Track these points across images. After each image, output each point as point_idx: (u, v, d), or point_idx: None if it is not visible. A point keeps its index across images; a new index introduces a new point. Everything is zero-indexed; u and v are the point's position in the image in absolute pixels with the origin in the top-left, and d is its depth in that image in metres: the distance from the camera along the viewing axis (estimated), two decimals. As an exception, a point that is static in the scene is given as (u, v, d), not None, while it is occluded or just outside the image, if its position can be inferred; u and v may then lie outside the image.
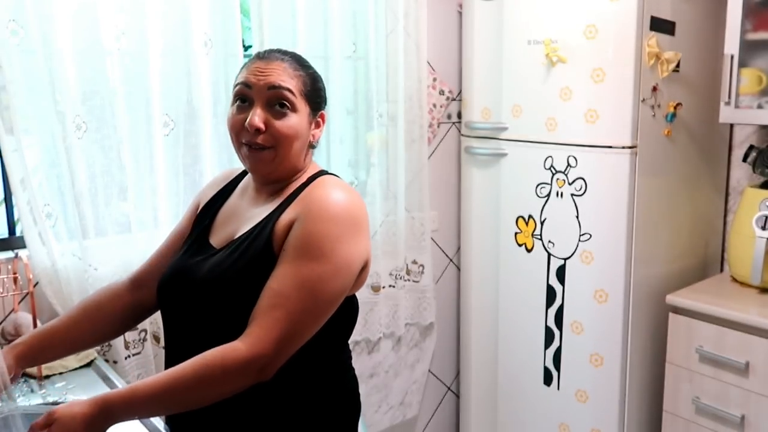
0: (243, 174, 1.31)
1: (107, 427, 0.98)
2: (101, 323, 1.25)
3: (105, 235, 1.65)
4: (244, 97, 1.14)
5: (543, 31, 2.01)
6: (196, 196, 1.36)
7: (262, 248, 1.10)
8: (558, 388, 2.14)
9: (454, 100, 2.43)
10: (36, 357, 1.19)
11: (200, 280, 1.14)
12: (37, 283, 1.55)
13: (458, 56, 2.40)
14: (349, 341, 1.32)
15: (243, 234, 1.15)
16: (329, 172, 1.24)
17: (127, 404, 0.98)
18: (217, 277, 1.12)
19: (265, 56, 1.17)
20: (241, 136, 1.14)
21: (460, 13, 2.36)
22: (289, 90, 1.14)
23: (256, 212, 1.18)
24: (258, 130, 1.12)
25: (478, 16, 2.23)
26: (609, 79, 1.90)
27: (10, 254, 1.59)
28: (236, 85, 1.16)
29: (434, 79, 2.35)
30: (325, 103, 1.24)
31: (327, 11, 1.97)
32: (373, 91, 2.11)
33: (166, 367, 1.19)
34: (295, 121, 1.15)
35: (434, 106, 2.37)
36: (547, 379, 2.17)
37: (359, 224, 1.12)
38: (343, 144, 2.09)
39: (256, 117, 1.11)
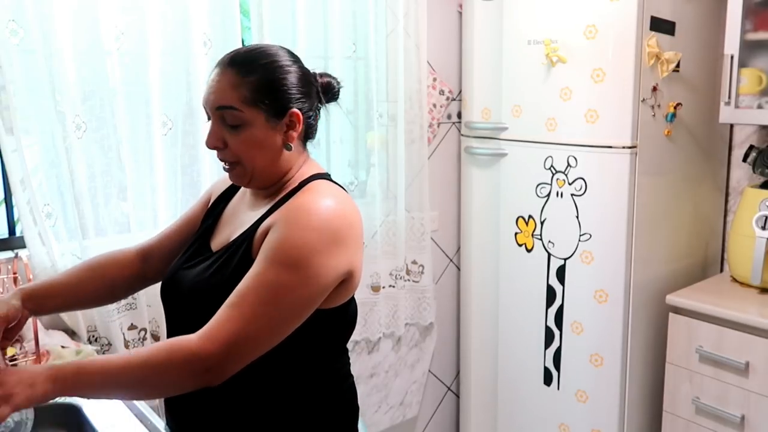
0: None
1: (53, 397, 0.93)
2: (104, 287, 1.27)
3: (105, 235, 1.65)
4: (207, 114, 1.12)
5: (543, 31, 2.01)
6: (210, 187, 1.36)
7: (242, 255, 1.08)
8: (558, 388, 2.14)
9: (454, 100, 2.43)
10: (40, 303, 1.19)
11: (187, 287, 1.14)
12: (37, 283, 1.55)
13: (458, 56, 2.40)
14: (349, 341, 1.32)
15: (235, 239, 1.14)
16: (325, 175, 1.18)
17: (75, 375, 0.93)
18: (199, 284, 1.11)
19: (217, 66, 1.11)
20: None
21: (460, 13, 2.36)
22: (231, 107, 1.07)
23: (251, 216, 1.16)
24: (216, 148, 1.10)
25: (478, 16, 2.23)
26: (609, 79, 1.90)
27: (10, 254, 1.59)
28: None
29: (434, 79, 2.35)
30: (298, 100, 1.12)
31: (327, 11, 1.97)
32: (373, 91, 2.11)
33: None
34: (249, 135, 1.08)
35: (434, 106, 2.37)
36: (547, 379, 2.16)
37: (341, 236, 1.05)
38: (343, 144, 2.09)
39: (209, 138, 1.10)
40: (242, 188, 1.26)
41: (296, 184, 1.13)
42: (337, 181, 1.18)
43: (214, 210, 1.27)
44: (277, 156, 1.12)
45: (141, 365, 0.95)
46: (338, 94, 1.21)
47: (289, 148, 1.12)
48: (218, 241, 1.19)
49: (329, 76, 1.20)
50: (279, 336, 1.02)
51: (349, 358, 1.25)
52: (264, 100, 1.08)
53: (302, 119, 1.12)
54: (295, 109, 1.11)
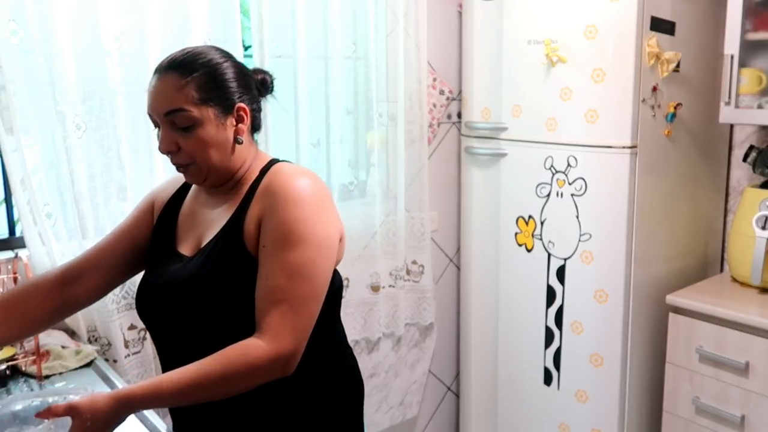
0: None
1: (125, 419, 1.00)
2: (27, 321, 1.20)
3: (104, 235, 1.65)
4: (154, 122, 1.13)
5: (543, 31, 2.01)
6: (149, 194, 1.31)
7: (235, 249, 1.10)
8: (558, 388, 2.14)
9: (454, 100, 2.43)
10: None
11: (181, 290, 1.13)
12: (37, 283, 1.55)
13: (458, 56, 2.40)
14: (349, 341, 1.32)
15: (211, 239, 1.14)
16: (280, 159, 1.22)
17: (151, 401, 1.00)
18: (198, 285, 1.11)
19: (156, 73, 1.12)
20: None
21: (460, 13, 2.36)
22: (180, 109, 1.08)
23: (217, 214, 1.16)
24: (170, 153, 1.11)
25: (478, 16, 2.23)
26: (609, 79, 1.90)
27: (10, 254, 1.59)
28: None
29: (434, 79, 2.35)
30: (242, 95, 1.14)
31: (327, 11, 1.97)
32: (373, 91, 2.11)
33: (165, 369, 1.19)
34: (201, 134, 1.10)
35: (434, 106, 2.37)
36: (547, 379, 2.16)
37: (325, 201, 1.12)
38: (343, 144, 2.09)
39: (162, 143, 1.11)
40: (193, 189, 1.26)
41: (257, 173, 1.16)
42: (287, 161, 1.22)
43: (168, 216, 1.25)
44: (230, 151, 1.14)
45: (221, 379, 1.00)
46: (273, 87, 1.24)
47: (240, 142, 1.14)
48: (189, 245, 1.18)
49: (263, 71, 1.23)
50: (320, 305, 1.09)
51: (343, 328, 1.28)
52: (211, 97, 1.10)
53: (249, 112, 1.15)
54: (241, 104, 1.14)
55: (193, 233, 1.19)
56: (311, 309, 1.07)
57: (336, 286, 1.20)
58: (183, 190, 1.28)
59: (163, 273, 1.18)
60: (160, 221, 1.26)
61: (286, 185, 1.10)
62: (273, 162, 1.19)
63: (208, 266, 1.11)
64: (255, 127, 1.20)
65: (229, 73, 1.13)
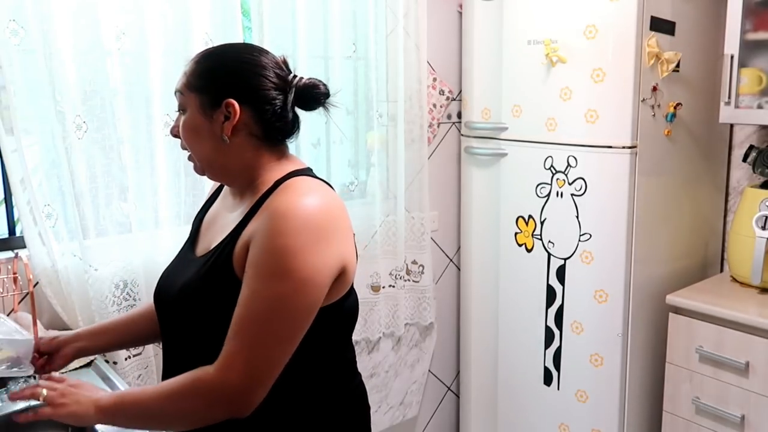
0: None
1: (94, 423, 1.03)
2: (153, 323, 1.24)
3: (105, 235, 1.65)
4: None
5: (543, 31, 2.01)
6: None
7: (222, 266, 1.05)
8: (558, 388, 2.14)
9: (454, 100, 2.43)
10: (89, 346, 1.25)
11: (173, 293, 1.12)
12: (37, 283, 1.55)
13: (458, 56, 2.40)
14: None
15: (216, 245, 1.10)
16: (305, 171, 1.12)
17: (116, 407, 1.02)
18: (184, 291, 1.10)
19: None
20: None
21: (460, 13, 2.36)
22: (178, 91, 1.11)
23: (229, 219, 1.13)
24: (174, 135, 1.14)
25: (478, 16, 2.23)
26: (609, 79, 1.90)
27: (10, 254, 1.59)
28: None
29: (434, 79, 2.35)
30: (252, 93, 1.07)
31: (327, 11, 1.97)
32: (373, 91, 2.11)
33: (164, 373, 1.19)
34: (186, 119, 1.10)
35: (434, 106, 2.37)
36: (547, 379, 2.16)
37: (325, 231, 1.01)
38: (343, 144, 2.09)
39: (172, 125, 1.14)
40: (222, 191, 1.25)
41: (270, 185, 1.08)
42: (317, 176, 1.13)
43: (199, 215, 1.26)
44: (217, 148, 1.08)
45: (168, 395, 0.99)
46: (319, 100, 1.12)
47: (224, 140, 1.06)
48: (202, 247, 1.17)
49: (313, 81, 1.12)
50: (292, 347, 1.00)
51: (354, 354, 1.22)
52: (201, 86, 1.08)
53: (240, 111, 1.05)
54: (231, 100, 1.05)
55: (209, 234, 1.18)
56: (277, 350, 0.98)
57: (348, 309, 1.13)
58: (216, 193, 1.27)
59: (172, 271, 1.19)
60: (196, 218, 1.27)
61: (282, 209, 1.00)
62: (292, 174, 1.09)
63: (199, 273, 1.09)
64: (269, 134, 1.10)
65: (245, 69, 1.07)
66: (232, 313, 1.00)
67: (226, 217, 1.16)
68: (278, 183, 1.07)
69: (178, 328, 1.13)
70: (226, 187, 1.22)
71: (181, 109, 1.11)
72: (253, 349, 0.97)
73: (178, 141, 1.15)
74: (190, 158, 1.15)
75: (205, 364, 1.00)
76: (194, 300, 1.08)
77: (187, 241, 1.24)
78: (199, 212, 1.28)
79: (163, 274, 1.22)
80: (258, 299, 0.98)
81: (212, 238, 1.15)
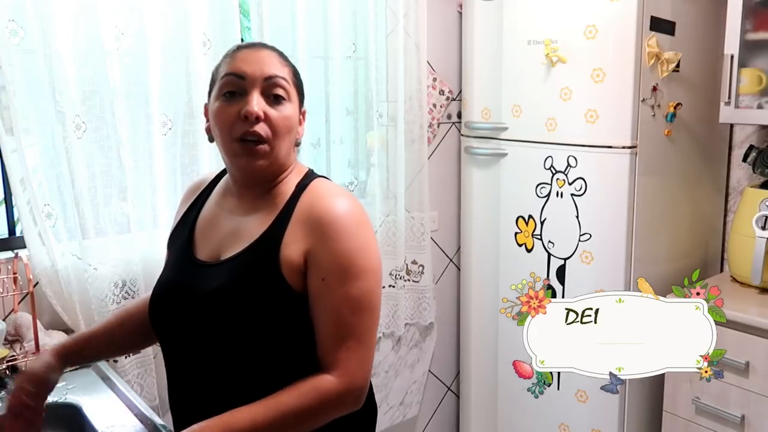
0: (215, 181, 1.25)
1: None
2: (130, 332, 1.26)
3: (105, 235, 1.65)
4: (233, 90, 1.07)
5: (543, 31, 2.01)
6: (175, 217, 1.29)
7: (269, 274, 1.05)
8: (558, 388, 2.14)
9: (454, 100, 2.43)
10: (74, 357, 1.24)
11: (203, 297, 1.07)
12: (37, 283, 1.55)
13: (458, 56, 2.40)
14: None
15: (240, 251, 1.08)
16: (315, 173, 1.18)
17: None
18: (215, 297, 1.06)
19: (251, 45, 1.14)
20: (235, 129, 1.06)
21: (460, 13, 2.36)
22: (284, 78, 1.10)
23: (246, 223, 1.11)
24: (258, 119, 1.05)
25: (478, 16, 2.23)
26: (609, 79, 1.90)
27: (10, 254, 1.59)
28: (223, 77, 1.09)
29: (434, 79, 2.36)
30: (304, 97, 1.19)
31: (327, 11, 1.97)
32: (373, 91, 2.11)
33: (169, 383, 1.17)
34: (290, 111, 1.10)
35: (434, 106, 2.37)
36: (547, 379, 2.16)
37: (368, 224, 1.11)
38: (343, 144, 2.09)
39: (255, 105, 1.05)
40: (216, 194, 1.21)
41: (293, 188, 1.12)
42: (324, 176, 1.20)
43: (186, 222, 1.21)
44: (291, 147, 1.15)
45: (294, 416, 1.00)
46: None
47: (299, 144, 1.17)
48: (207, 251, 1.14)
49: None
50: (377, 334, 1.11)
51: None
52: (299, 84, 1.15)
53: (304, 120, 1.18)
54: (305, 108, 1.18)
55: (212, 239, 1.14)
56: (374, 338, 1.09)
57: None
58: (200, 199, 1.23)
59: (179, 276, 1.14)
60: (177, 229, 1.23)
61: (333, 213, 1.06)
62: (309, 176, 1.15)
63: (232, 279, 1.06)
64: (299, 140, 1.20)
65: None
66: (270, 317, 1.04)
67: (234, 220, 1.13)
68: (301, 185, 1.13)
69: (196, 335, 1.08)
70: (217, 188, 1.21)
71: (279, 96, 1.09)
72: (362, 349, 1.05)
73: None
74: (255, 146, 1.07)
75: (229, 368, 1.03)
76: (228, 305, 1.05)
77: (182, 247, 1.18)
78: (182, 217, 1.23)
79: (161, 281, 1.18)
80: (349, 302, 1.04)
81: (224, 242, 1.12)
